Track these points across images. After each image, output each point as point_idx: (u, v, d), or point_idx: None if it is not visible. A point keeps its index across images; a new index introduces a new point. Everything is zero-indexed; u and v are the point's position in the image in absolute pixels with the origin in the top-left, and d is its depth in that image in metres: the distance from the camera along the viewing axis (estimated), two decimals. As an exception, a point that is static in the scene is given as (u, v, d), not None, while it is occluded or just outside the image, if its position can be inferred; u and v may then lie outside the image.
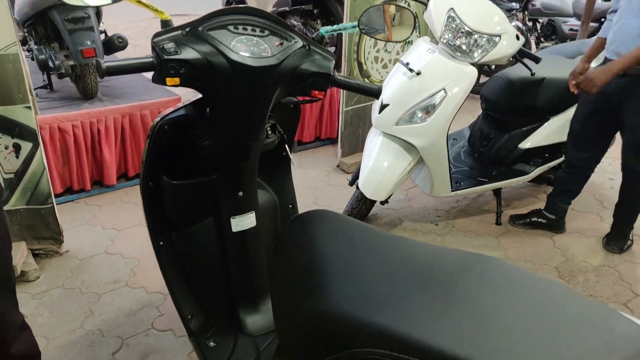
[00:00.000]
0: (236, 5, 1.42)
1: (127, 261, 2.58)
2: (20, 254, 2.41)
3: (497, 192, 2.99)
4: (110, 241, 2.74)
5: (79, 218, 2.97)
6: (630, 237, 2.73)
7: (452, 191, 2.73)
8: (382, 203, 2.91)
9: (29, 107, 2.31)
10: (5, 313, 1.36)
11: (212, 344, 1.60)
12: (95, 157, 3.16)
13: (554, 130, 2.88)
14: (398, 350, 0.79)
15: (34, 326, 2.08)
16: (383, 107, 2.54)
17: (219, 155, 1.47)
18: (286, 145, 1.64)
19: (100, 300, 2.30)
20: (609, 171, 3.65)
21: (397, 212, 3.13)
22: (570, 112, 2.76)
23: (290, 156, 1.69)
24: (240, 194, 1.56)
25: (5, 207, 2.44)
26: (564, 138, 2.78)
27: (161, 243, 1.62)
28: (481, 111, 3.17)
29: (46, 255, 2.60)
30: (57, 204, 2.62)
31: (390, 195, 2.70)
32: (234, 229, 1.58)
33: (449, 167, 2.64)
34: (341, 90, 3.45)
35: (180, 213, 1.59)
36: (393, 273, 0.97)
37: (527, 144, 2.89)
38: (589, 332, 0.77)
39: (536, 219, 2.90)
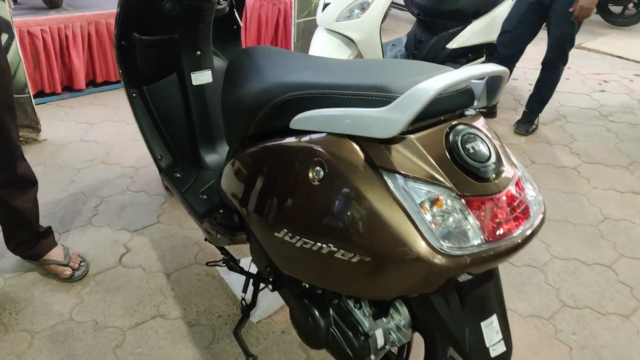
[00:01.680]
0: None
1: (101, 146, 2.91)
2: (3, 137, 2.70)
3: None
4: (84, 132, 3.06)
5: (53, 115, 3.25)
6: (536, 123, 3.24)
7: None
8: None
9: (4, 0, 2.55)
10: (12, 131, 1.69)
11: (178, 175, 1.99)
12: (64, 62, 3.41)
13: (476, 32, 3.29)
14: (320, 88, 1.17)
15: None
16: (325, 5, 2.89)
17: (180, 17, 1.81)
18: (235, 11, 1.99)
19: (79, 173, 2.65)
20: (529, 79, 4.13)
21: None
22: (490, 16, 3.19)
23: (240, 23, 2.04)
24: (198, 52, 1.92)
25: (-14, 97, 2.70)
26: (485, 39, 3.21)
27: (134, 95, 1.97)
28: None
29: (26, 142, 2.90)
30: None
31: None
32: (194, 82, 1.94)
33: (384, 61, 3.04)
34: (294, 4, 3.75)
35: (149, 66, 1.93)
36: (319, 65, 1.34)
37: (453, 44, 3.30)
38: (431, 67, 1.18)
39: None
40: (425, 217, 0.99)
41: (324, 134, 1.14)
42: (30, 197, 1.83)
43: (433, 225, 0.99)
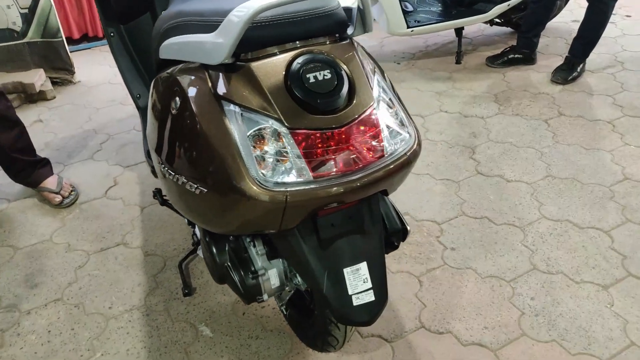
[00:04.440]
0: None
1: (124, 88, 3.07)
2: (38, 77, 2.95)
3: (458, 32, 3.16)
4: (114, 75, 3.24)
5: (91, 60, 3.49)
6: (578, 70, 2.87)
7: (409, 28, 2.94)
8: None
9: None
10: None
11: None
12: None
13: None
14: (186, 16, 1.15)
15: (47, 127, 2.66)
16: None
17: None
18: None
19: (98, 112, 2.84)
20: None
21: (368, 55, 3.39)
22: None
23: None
24: None
25: (25, 39, 2.96)
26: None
27: (112, 34, 2.04)
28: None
29: (62, 83, 3.15)
30: (74, 51, 3.14)
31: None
32: None
33: (402, 2, 2.84)
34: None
35: (123, 5, 1.98)
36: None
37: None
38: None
39: (513, 56, 3.08)
40: (250, 150, 0.95)
41: (183, 63, 1.12)
42: (12, 135, 1.99)
43: (257, 159, 0.95)
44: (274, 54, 1.00)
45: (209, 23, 1.05)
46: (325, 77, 0.96)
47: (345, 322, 1.10)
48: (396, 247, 1.33)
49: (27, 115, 2.77)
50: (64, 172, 2.32)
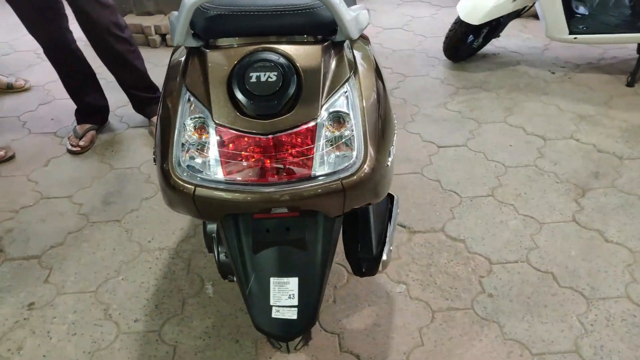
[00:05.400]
0: None
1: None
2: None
3: None
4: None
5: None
6: None
7: (572, 34, 2.50)
8: (494, 36, 2.85)
9: None
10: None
11: None
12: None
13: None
14: None
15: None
16: None
17: None
18: None
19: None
20: None
21: (520, 56, 3.00)
22: None
23: None
24: None
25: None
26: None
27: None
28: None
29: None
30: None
31: (499, 29, 2.65)
32: None
33: (568, 3, 2.41)
34: None
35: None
36: None
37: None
38: None
39: None
40: (179, 137, 0.96)
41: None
42: (133, 75, 2.29)
43: (184, 146, 0.96)
44: (233, 46, 0.97)
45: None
46: (270, 80, 0.90)
47: (259, 329, 1.06)
48: (371, 274, 1.22)
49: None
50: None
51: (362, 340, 1.46)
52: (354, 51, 1.05)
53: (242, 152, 0.91)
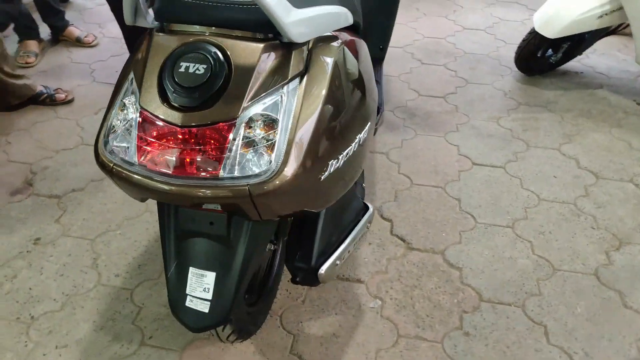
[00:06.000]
0: None
1: None
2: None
3: None
4: None
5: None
6: None
7: (666, 64, 2.18)
8: (577, 53, 2.55)
9: None
10: None
11: None
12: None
13: None
14: None
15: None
16: None
17: None
18: None
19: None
20: None
21: (606, 79, 2.66)
22: None
23: None
24: None
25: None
26: None
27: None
28: None
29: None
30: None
31: (582, 46, 2.37)
32: None
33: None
34: None
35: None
36: None
37: None
38: None
39: None
40: (111, 117, 0.97)
41: None
42: None
43: (112, 126, 0.97)
44: (179, 32, 0.96)
45: None
46: (197, 72, 0.88)
47: (173, 314, 1.06)
48: (309, 285, 1.17)
49: None
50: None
51: (315, 348, 1.42)
52: (315, 55, 0.98)
53: (157, 141, 0.90)
